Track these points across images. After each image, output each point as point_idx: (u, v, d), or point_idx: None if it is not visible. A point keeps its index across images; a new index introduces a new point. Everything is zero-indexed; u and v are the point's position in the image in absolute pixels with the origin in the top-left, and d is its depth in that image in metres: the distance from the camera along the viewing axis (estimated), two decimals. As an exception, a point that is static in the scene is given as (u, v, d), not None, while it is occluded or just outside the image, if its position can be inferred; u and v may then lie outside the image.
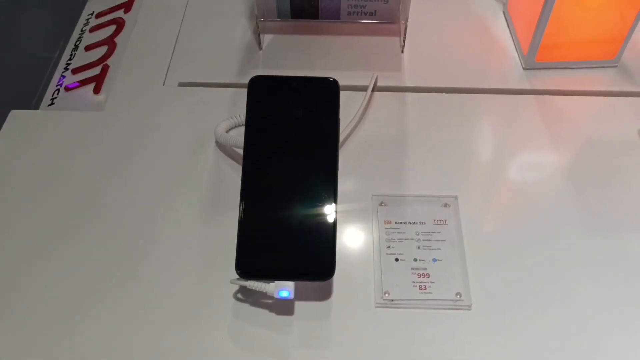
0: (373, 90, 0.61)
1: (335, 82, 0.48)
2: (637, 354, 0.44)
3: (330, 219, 0.45)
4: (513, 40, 0.66)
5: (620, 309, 0.47)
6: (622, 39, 0.61)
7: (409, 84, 0.62)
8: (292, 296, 0.44)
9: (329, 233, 0.44)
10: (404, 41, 0.64)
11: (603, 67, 0.64)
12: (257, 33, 0.65)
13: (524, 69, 0.64)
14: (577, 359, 0.44)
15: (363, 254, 0.50)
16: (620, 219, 0.52)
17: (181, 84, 0.62)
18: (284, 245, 0.45)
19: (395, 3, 0.65)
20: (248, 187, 0.46)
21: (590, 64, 0.63)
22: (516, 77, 0.63)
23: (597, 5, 0.57)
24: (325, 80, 0.48)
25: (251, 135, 0.47)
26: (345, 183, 0.53)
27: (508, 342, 0.45)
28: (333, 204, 0.45)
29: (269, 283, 0.44)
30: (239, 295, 0.47)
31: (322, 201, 0.45)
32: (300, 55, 0.65)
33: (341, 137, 0.53)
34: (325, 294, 0.47)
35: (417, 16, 0.68)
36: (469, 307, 0.47)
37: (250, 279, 0.45)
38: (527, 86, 0.62)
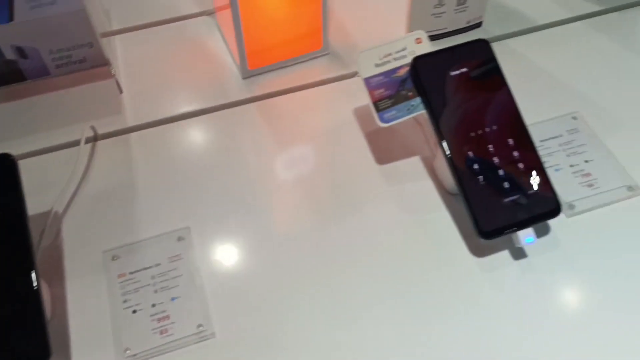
0: (96, 140, 0.60)
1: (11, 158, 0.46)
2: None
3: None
4: (229, 52, 0.67)
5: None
6: (320, 28, 0.64)
7: (132, 123, 0.61)
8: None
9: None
10: (117, 82, 0.63)
11: (316, 57, 0.66)
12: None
13: (244, 78, 0.65)
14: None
15: (99, 314, 0.49)
16: (356, 203, 0.55)
17: None
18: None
19: (99, 45, 0.63)
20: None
21: (303, 57, 0.66)
22: (236, 88, 0.64)
23: (279, 5, 0.60)
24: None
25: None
26: (72, 244, 0.51)
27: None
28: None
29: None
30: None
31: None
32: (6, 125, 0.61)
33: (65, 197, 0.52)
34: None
35: (131, 52, 0.67)
36: (213, 335, 0.47)
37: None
38: (247, 95, 0.63)
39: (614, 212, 0.54)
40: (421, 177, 0.56)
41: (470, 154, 0.49)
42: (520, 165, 0.50)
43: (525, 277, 0.50)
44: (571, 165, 0.56)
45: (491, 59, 0.52)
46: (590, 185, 0.55)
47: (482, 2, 0.66)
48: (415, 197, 0.55)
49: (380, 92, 0.52)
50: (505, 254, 0.51)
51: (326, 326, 0.48)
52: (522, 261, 0.51)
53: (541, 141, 0.58)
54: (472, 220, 0.48)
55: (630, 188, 0.55)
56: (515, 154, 0.50)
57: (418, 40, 0.54)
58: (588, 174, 0.55)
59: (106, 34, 0.68)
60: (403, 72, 0.53)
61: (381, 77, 0.53)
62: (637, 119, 0.61)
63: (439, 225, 0.53)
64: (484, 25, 0.69)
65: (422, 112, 0.51)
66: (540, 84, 0.64)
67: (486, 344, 0.47)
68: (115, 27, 0.71)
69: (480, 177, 0.49)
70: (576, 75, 0.65)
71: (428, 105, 0.50)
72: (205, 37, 0.69)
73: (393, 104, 0.52)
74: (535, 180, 0.50)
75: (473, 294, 0.49)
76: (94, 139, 0.60)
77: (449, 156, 0.49)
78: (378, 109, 0.52)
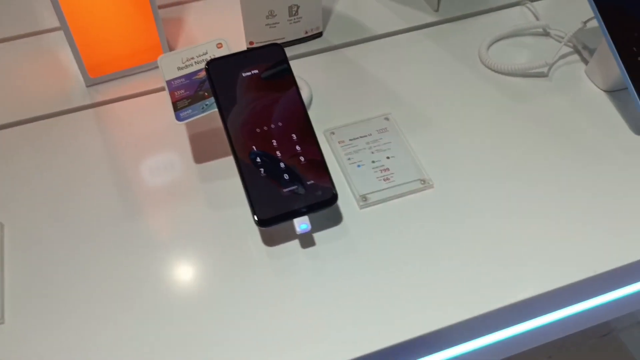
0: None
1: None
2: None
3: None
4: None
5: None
6: (158, 43, 0.68)
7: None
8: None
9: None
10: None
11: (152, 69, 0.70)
12: None
13: (87, 86, 0.68)
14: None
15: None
16: (169, 199, 0.58)
17: None
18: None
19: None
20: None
21: (146, 66, 0.70)
22: (79, 94, 0.68)
23: (110, 24, 0.64)
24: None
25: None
26: None
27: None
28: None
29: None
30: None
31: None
32: None
33: None
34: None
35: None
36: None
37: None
38: (88, 101, 0.67)
39: (404, 203, 0.57)
40: (230, 174, 0.59)
41: (254, 148, 0.53)
42: (301, 159, 0.53)
43: (308, 264, 0.53)
44: (373, 162, 0.60)
45: (283, 61, 0.56)
46: (386, 179, 0.58)
47: (316, 14, 0.71)
48: (223, 194, 0.58)
49: (181, 92, 0.56)
50: (294, 243, 0.54)
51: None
52: (310, 249, 0.54)
53: (350, 140, 0.62)
54: (250, 209, 0.51)
55: (422, 181, 0.58)
56: (298, 148, 0.54)
57: (219, 46, 0.58)
58: (387, 169, 0.59)
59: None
60: (203, 74, 0.57)
61: (182, 79, 0.57)
62: (442, 119, 0.65)
63: (241, 219, 0.56)
64: (324, 35, 0.74)
65: (215, 110, 0.54)
66: (365, 88, 0.68)
67: (269, 329, 0.49)
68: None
69: (262, 170, 0.52)
70: (396, 79, 0.69)
71: (218, 103, 0.54)
72: (57, 46, 0.73)
73: (190, 104, 0.56)
74: (313, 172, 0.53)
75: (260, 281, 0.52)
76: None
77: (233, 150, 0.53)
78: (176, 109, 0.55)
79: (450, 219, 0.56)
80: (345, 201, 0.57)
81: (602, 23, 0.62)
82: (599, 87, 0.67)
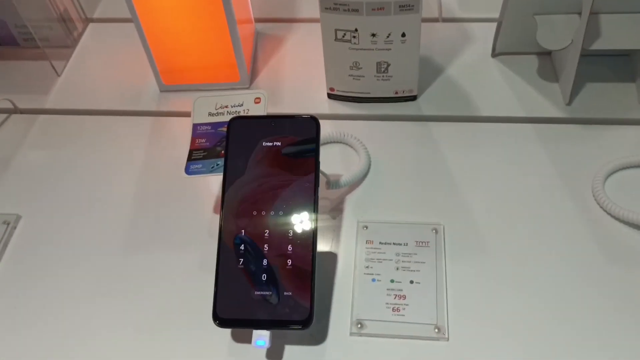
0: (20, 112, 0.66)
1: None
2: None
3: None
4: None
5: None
6: (234, 62, 0.62)
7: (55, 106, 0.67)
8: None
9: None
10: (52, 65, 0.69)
11: (234, 88, 0.65)
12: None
13: (161, 91, 0.66)
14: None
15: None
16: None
17: None
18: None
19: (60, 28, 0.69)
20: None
21: (220, 85, 0.65)
22: (150, 98, 0.66)
23: (185, 30, 0.60)
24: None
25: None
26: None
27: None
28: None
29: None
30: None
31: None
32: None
33: None
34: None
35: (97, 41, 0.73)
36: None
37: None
38: (153, 107, 0.65)
39: (406, 348, 0.46)
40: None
41: (243, 232, 0.46)
42: (288, 262, 0.45)
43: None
44: (392, 281, 0.49)
45: (312, 140, 0.47)
46: (396, 310, 0.47)
47: (411, 76, 0.60)
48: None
49: (201, 142, 0.51)
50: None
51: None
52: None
53: (381, 243, 0.51)
54: (213, 300, 0.45)
55: (437, 329, 0.46)
56: (289, 248, 0.45)
57: (257, 100, 0.51)
58: (403, 297, 0.48)
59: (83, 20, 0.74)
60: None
61: (208, 127, 0.51)
62: (506, 258, 0.50)
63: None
64: (419, 100, 0.62)
65: (221, 174, 0.48)
66: (432, 180, 0.56)
67: None
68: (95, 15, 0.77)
69: (241, 260, 0.45)
70: (476, 180, 0.55)
71: (225, 167, 0.47)
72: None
73: (204, 157, 0.50)
74: (296, 282, 0.44)
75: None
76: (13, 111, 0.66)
77: (220, 226, 0.46)
78: (189, 158, 0.50)
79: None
80: (337, 319, 0.48)
81: None
82: None
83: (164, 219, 0.55)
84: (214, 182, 0.57)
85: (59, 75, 0.70)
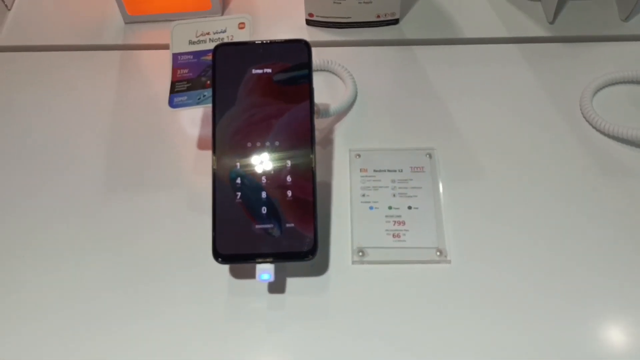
0: None
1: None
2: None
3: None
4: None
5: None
6: (205, -10, 0.59)
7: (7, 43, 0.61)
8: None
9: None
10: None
11: (205, 17, 0.61)
12: None
13: (125, 23, 0.62)
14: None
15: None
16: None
17: None
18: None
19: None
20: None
21: (190, 15, 0.61)
22: (114, 31, 0.61)
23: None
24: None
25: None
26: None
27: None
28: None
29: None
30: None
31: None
32: None
33: None
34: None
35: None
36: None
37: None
38: (119, 41, 0.60)
39: (408, 272, 0.46)
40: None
41: (238, 165, 0.44)
42: (288, 194, 0.43)
43: (268, 315, 0.44)
44: (390, 207, 0.48)
45: (304, 65, 0.45)
46: (396, 236, 0.47)
47: (393, -2, 0.57)
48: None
49: (184, 72, 0.47)
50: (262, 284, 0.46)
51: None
52: (277, 297, 0.45)
53: (375, 171, 0.50)
54: (212, 237, 0.43)
55: (439, 252, 0.46)
56: (289, 179, 0.44)
57: (241, 25, 0.48)
58: (402, 223, 0.48)
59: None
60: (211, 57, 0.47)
61: (190, 57, 0.48)
62: (501, 176, 0.50)
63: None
64: (401, 23, 0.60)
65: (209, 105, 0.45)
66: (421, 105, 0.55)
67: None
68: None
69: (239, 194, 0.43)
70: (465, 102, 0.55)
71: (214, 98, 0.45)
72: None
73: (188, 89, 0.47)
74: (298, 213, 0.43)
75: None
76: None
77: (214, 160, 0.44)
78: (172, 90, 0.47)
79: (462, 304, 0.44)
80: (338, 248, 0.47)
81: None
82: None
83: (145, 159, 0.52)
84: (195, 116, 0.54)
85: (8, 9, 0.64)
